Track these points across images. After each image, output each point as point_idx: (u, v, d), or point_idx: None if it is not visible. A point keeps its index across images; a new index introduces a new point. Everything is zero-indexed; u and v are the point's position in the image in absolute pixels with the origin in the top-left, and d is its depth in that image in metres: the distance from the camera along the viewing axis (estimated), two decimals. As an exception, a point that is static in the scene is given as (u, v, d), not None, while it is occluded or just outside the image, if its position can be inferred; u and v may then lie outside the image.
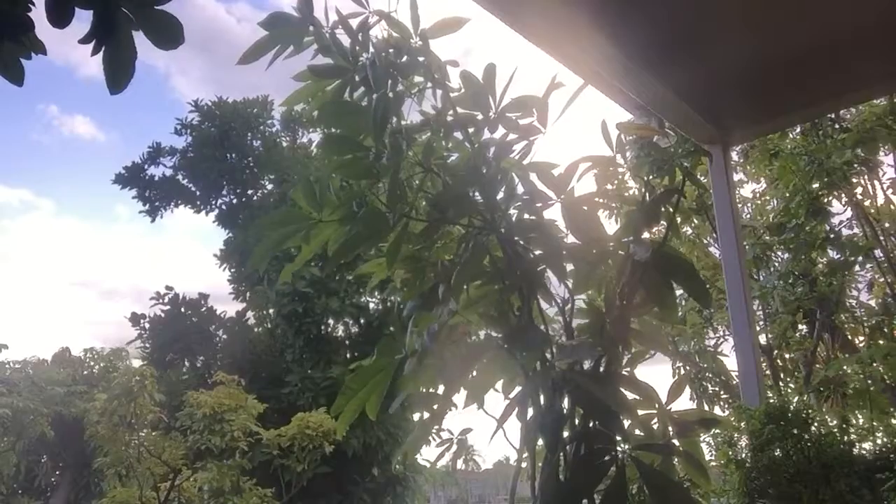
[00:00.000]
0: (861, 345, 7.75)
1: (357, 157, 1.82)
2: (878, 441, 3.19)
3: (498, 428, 1.68)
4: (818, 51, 3.33)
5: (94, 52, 1.25)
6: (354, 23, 1.90)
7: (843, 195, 7.58)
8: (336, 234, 1.83)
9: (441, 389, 1.86)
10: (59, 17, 1.19)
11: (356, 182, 1.92)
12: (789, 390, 7.65)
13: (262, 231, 1.88)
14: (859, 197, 7.79)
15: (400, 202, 1.75)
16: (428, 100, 1.95)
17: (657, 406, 1.76)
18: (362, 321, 17.83)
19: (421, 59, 1.89)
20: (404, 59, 1.87)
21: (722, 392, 8.49)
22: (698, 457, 1.79)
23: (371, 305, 18.00)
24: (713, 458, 3.26)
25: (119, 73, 1.27)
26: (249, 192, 20.11)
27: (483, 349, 1.79)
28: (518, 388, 1.76)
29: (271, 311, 17.53)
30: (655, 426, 1.76)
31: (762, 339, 7.85)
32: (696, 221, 8.69)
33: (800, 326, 8.04)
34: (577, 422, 1.67)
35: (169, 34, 1.30)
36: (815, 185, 7.12)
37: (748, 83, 3.54)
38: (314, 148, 19.67)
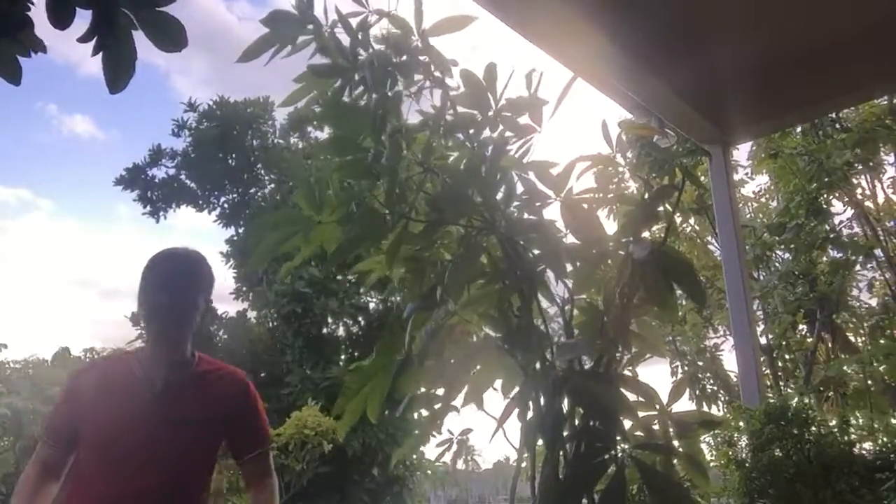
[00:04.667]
0: (861, 345, 7.76)
1: (357, 157, 1.81)
2: (878, 441, 3.19)
3: (498, 428, 1.68)
4: (818, 51, 3.33)
5: (95, 52, 1.24)
6: (354, 22, 1.90)
7: (843, 195, 7.59)
8: (335, 235, 1.83)
9: (441, 391, 1.86)
10: (60, 17, 1.19)
11: (356, 183, 1.92)
12: (789, 390, 7.65)
13: (261, 233, 1.88)
14: (860, 197, 7.80)
15: (399, 202, 1.75)
16: (427, 99, 1.94)
17: (658, 407, 1.76)
18: (362, 321, 17.84)
19: (422, 57, 1.89)
20: (403, 57, 1.87)
21: (721, 391, 8.51)
22: (698, 458, 1.79)
23: (371, 306, 18.01)
24: (713, 458, 3.27)
25: (119, 73, 1.26)
26: (252, 190, 20.13)
27: (483, 349, 1.79)
28: (518, 388, 1.76)
29: (272, 311, 17.55)
30: (656, 427, 1.76)
31: (762, 339, 7.87)
32: (694, 222, 8.70)
33: (800, 326, 8.05)
34: (576, 422, 1.67)
35: (171, 37, 1.30)
36: (815, 185, 7.12)
37: (748, 83, 3.54)
38: (315, 149, 19.67)
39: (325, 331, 17.53)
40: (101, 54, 1.26)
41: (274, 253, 1.87)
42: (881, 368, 4.69)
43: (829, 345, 7.91)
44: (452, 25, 1.94)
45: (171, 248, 2.07)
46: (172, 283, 1.97)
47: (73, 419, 1.92)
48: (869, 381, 4.88)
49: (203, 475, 2.00)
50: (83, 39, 1.23)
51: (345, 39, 1.91)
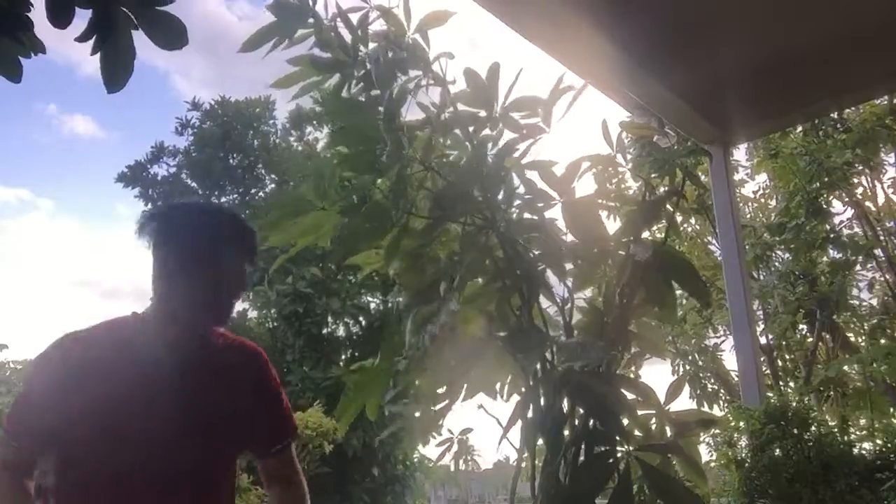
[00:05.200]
0: (861, 345, 7.76)
1: (362, 150, 1.82)
2: (878, 441, 3.19)
3: (504, 435, 1.68)
4: (818, 51, 3.33)
5: (94, 51, 1.25)
6: (354, 18, 1.91)
7: (843, 195, 7.59)
8: (338, 224, 1.83)
9: (441, 390, 1.86)
10: (59, 16, 1.19)
11: (360, 177, 1.92)
12: (789, 390, 7.65)
13: (270, 213, 1.88)
14: (860, 197, 7.81)
15: (402, 198, 1.75)
16: (426, 96, 1.94)
17: (656, 406, 1.76)
18: (363, 321, 17.84)
19: (419, 54, 1.89)
20: (404, 54, 1.87)
21: (721, 390, 8.51)
22: (695, 457, 1.79)
23: (372, 306, 18.01)
24: (713, 458, 3.27)
25: (117, 72, 1.26)
26: (252, 190, 20.14)
27: (483, 349, 1.79)
28: (519, 390, 1.76)
29: (273, 311, 17.55)
30: (653, 426, 1.76)
31: (762, 339, 7.87)
32: (695, 221, 8.70)
33: (800, 326, 8.05)
34: (576, 422, 1.67)
35: (173, 35, 1.30)
36: (816, 185, 7.12)
37: (748, 83, 3.54)
38: (321, 147, 19.67)
39: (325, 331, 17.53)
40: (99, 53, 1.26)
41: (277, 222, 1.84)
42: (881, 368, 4.69)
43: (829, 345, 7.92)
44: (435, 20, 1.94)
45: (202, 203, 1.69)
46: (212, 247, 1.54)
47: (53, 412, 1.45)
48: (869, 382, 4.88)
49: (228, 480, 1.64)
50: (82, 38, 1.24)
51: (346, 35, 1.91)
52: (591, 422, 1.63)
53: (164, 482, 1.48)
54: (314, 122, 20.02)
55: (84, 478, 1.45)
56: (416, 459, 16.27)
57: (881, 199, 8.05)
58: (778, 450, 2.98)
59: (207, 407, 1.55)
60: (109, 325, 1.58)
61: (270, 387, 1.74)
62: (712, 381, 8.65)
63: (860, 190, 7.85)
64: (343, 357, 17.54)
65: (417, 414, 1.81)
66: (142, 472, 1.47)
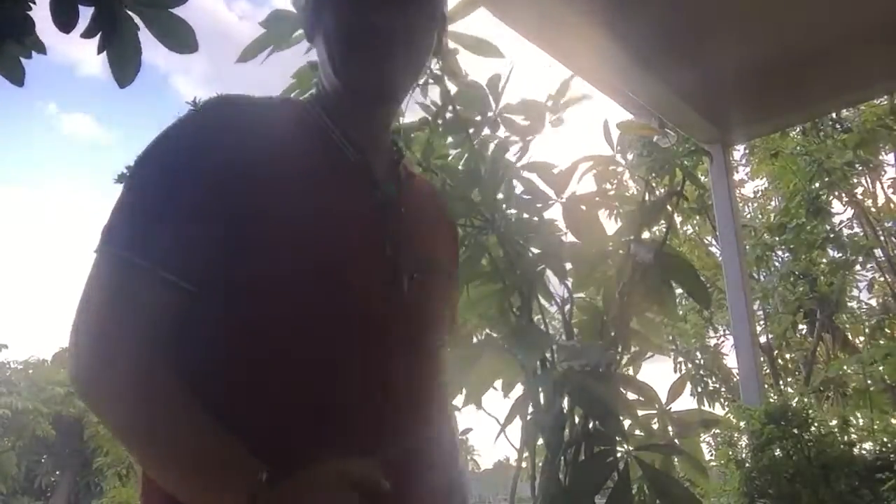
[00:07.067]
0: (861, 345, 7.77)
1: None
2: (878, 441, 3.19)
3: (501, 431, 1.68)
4: (818, 51, 3.33)
5: (100, 50, 1.26)
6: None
7: (843, 195, 7.60)
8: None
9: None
10: (64, 19, 1.20)
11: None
12: (789, 390, 7.66)
13: None
14: (860, 197, 7.82)
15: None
16: (426, 97, 1.94)
17: (657, 406, 1.77)
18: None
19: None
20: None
21: (722, 389, 8.52)
22: (698, 457, 1.79)
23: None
24: (713, 458, 3.27)
25: (125, 67, 1.28)
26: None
27: (483, 349, 1.79)
28: (519, 388, 1.76)
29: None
30: (655, 426, 1.77)
31: (762, 338, 7.87)
32: (696, 221, 8.71)
33: (800, 326, 8.06)
34: (576, 421, 1.67)
35: (182, 39, 1.31)
36: (816, 185, 7.13)
37: (748, 83, 3.54)
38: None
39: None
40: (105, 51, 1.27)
41: None
42: (881, 368, 4.69)
43: (829, 345, 7.93)
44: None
45: None
46: None
47: (230, 221, 0.82)
48: (869, 382, 4.87)
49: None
50: (86, 35, 1.24)
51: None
52: (591, 422, 1.63)
53: (402, 366, 0.92)
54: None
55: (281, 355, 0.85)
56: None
57: (881, 200, 8.07)
58: (778, 450, 2.98)
59: (433, 251, 1.04)
60: (279, 101, 1.01)
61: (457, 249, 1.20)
62: (713, 379, 8.66)
63: (860, 190, 7.87)
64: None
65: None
66: (375, 342, 0.90)
